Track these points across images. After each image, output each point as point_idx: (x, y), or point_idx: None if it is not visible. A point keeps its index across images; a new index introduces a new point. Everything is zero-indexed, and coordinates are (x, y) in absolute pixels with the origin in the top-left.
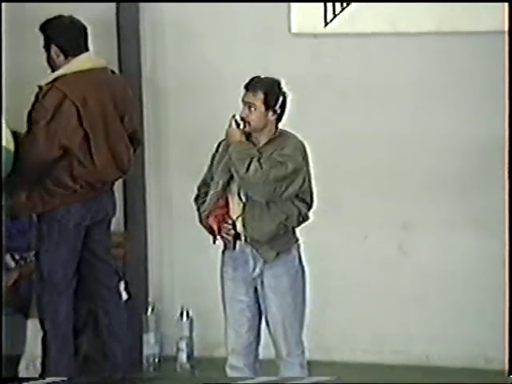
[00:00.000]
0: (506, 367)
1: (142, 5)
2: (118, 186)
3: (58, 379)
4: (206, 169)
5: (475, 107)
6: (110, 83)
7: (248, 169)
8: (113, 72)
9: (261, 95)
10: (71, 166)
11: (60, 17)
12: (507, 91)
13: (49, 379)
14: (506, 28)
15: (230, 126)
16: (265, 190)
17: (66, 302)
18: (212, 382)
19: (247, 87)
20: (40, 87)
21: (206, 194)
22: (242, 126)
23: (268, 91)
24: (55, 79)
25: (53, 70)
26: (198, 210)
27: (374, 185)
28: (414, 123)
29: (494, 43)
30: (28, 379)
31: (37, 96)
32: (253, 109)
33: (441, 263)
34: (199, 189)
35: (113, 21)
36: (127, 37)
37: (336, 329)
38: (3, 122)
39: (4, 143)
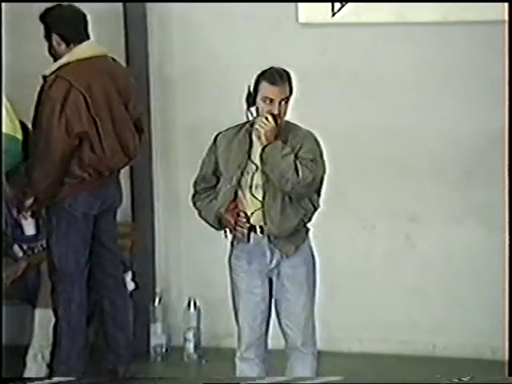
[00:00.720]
0: (506, 358)
1: None
2: (125, 177)
3: (64, 379)
4: (204, 163)
5: (479, 98)
6: (113, 70)
7: (298, 174)
8: (113, 59)
9: (289, 87)
10: (81, 155)
11: (59, 5)
12: (507, 82)
13: (55, 379)
14: (507, 17)
15: (265, 121)
16: (310, 190)
17: (78, 291)
18: (220, 374)
19: (274, 81)
20: (44, 77)
21: (206, 189)
22: (273, 122)
23: (291, 82)
24: (58, 68)
25: (55, 60)
26: (195, 206)
27: (381, 176)
28: (419, 114)
29: (497, 33)
30: (33, 379)
31: (42, 87)
32: (283, 102)
33: (447, 254)
34: (197, 185)
35: (120, 12)
36: (134, 28)
37: (343, 319)
38: (3, 110)
39: (12, 132)
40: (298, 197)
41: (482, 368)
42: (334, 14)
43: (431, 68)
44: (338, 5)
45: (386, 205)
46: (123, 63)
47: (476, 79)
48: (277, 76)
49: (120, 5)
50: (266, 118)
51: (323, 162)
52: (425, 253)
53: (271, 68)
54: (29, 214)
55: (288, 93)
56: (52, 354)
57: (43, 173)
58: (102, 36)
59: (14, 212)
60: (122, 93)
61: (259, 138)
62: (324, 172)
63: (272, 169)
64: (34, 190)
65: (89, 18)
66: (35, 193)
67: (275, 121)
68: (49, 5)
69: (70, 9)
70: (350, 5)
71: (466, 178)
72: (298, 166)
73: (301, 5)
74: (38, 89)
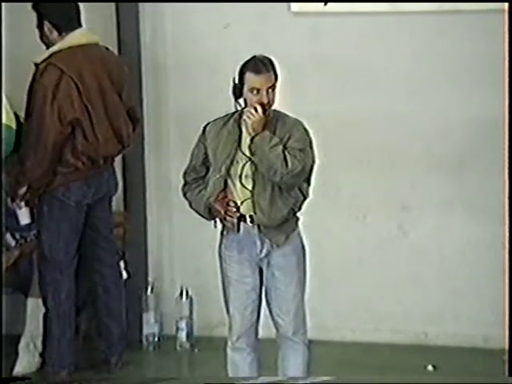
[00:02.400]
0: (507, 346)
1: None
2: (117, 167)
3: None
4: (193, 154)
5: (475, 87)
6: (105, 59)
7: (287, 164)
8: (106, 48)
9: (274, 74)
10: (74, 142)
11: None
12: (507, 71)
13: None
14: (506, 7)
15: (253, 112)
16: (300, 180)
17: (67, 281)
18: (212, 363)
19: (258, 70)
20: (36, 65)
21: (196, 180)
22: (261, 113)
23: (275, 69)
24: (50, 55)
25: (47, 47)
26: (185, 196)
27: (373, 165)
28: (413, 103)
29: (494, 22)
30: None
31: (34, 75)
32: (270, 90)
33: (439, 244)
34: (187, 175)
35: (112, 4)
36: (126, 15)
37: (335, 308)
38: (4, 100)
39: (5, 121)
40: (287, 187)
41: (474, 357)
42: (325, 3)
43: (424, 57)
44: None
45: (378, 194)
46: (115, 52)
47: (468, 69)
48: (260, 65)
49: None
50: (255, 109)
51: (312, 151)
52: (417, 242)
53: (254, 57)
54: (23, 203)
55: (274, 80)
56: (44, 343)
57: (36, 161)
58: (94, 25)
59: (8, 200)
60: (115, 81)
61: (247, 128)
62: (313, 161)
63: (261, 159)
64: (27, 178)
65: (81, 7)
66: (29, 181)
67: (264, 110)
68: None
69: None
70: None
71: (458, 167)
72: (287, 156)
73: None
74: (30, 77)
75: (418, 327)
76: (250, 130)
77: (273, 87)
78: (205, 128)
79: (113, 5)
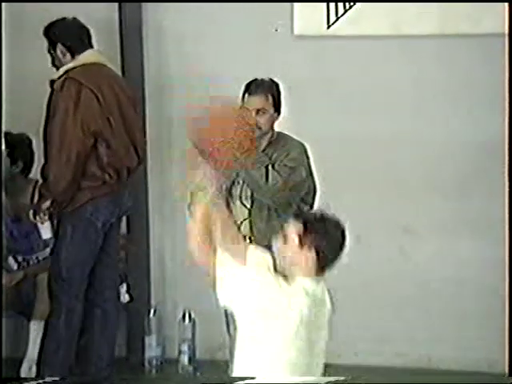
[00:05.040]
0: (507, 370)
1: (144, 5)
2: None
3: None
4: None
5: (476, 110)
6: (117, 77)
7: (267, 178)
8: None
9: (270, 98)
10: (98, 154)
11: (63, 19)
12: (507, 94)
13: (48, 379)
14: (507, 30)
15: None
16: (282, 197)
17: (79, 305)
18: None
19: (251, 91)
20: (52, 82)
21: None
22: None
23: (274, 93)
24: (65, 72)
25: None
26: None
27: (375, 187)
28: (415, 126)
29: (495, 45)
30: (29, 379)
31: (52, 90)
32: (261, 113)
33: (442, 266)
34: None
35: (115, 21)
36: (130, 37)
37: (338, 332)
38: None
39: None
40: (276, 204)
41: (478, 381)
42: (329, 27)
43: (427, 80)
44: (333, 17)
45: (381, 216)
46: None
47: (471, 92)
48: (253, 86)
49: (115, 13)
50: None
51: (309, 173)
52: (420, 265)
53: (254, 79)
54: (46, 217)
55: (264, 104)
56: (38, 364)
57: (59, 173)
58: (97, 45)
59: (9, 222)
60: (128, 96)
61: None
62: (312, 185)
63: (247, 175)
64: (50, 191)
65: None
66: (52, 195)
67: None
68: (49, 12)
69: (74, 21)
70: (345, 17)
71: (461, 189)
72: (270, 171)
73: (296, 16)
74: (48, 95)
75: (422, 351)
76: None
77: (263, 110)
78: None
79: (116, 28)
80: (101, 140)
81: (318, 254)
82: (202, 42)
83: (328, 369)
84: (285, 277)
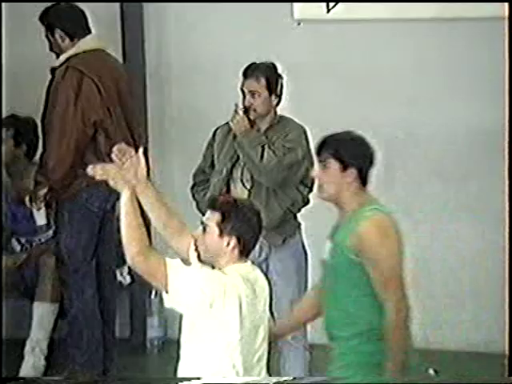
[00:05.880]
0: (507, 350)
1: None
2: None
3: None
4: (201, 157)
5: (476, 95)
6: (116, 62)
7: (262, 157)
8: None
9: (263, 81)
10: (97, 144)
11: (58, 3)
12: (507, 79)
13: (48, 378)
14: (507, 13)
15: (235, 115)
16: (278, 177)
17: (88, 284)
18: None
19: (246, 75)
20: (53, 69)
21: (203, 182)
22: (246, 114)
23: (269, 76)
24: (66, 60)
25: (58, 56)
26: (194, 197)
27: (375, 172)
28: (414, 110)
29: (495, 29)
30: (29, 379)
31: (52, 77)
32: (256, 95)
33: (441, 250)
34: (196, 177)
35: (117, 10)
36: (131, 26)
37: None
38: None
39: None
40: (272, 184)
41: (476, 361)
42: (328, 11)
43: (426, 64)
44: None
45: (379, 200)
46: (120, 61)
47: (471, 76)
48: (251, 69)
49: (117, 4)
50: (235, 110)
51: (308, 155)
52: (419, 248)
53: (252, 63)
54: (42, 204)
55: (257, 86)
56: (49, 346)
57: (58, 162)
58: (99, 34)
59: (26, 200)
60: (126, 82)
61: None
62: (302, 162)
63: (243, 155)
64: (48, 179)
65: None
66: (50, 182)
67: (245, 112)
68: (46, 4)
69: (70, 5)
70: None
71: (462, 173)
72: (265, 150)
73: (296, 1)
74: (47, 82)
75: (420, 332)
76: (234, 130)
77: (257, 93)
78: (214, 132)
79: (118, 18)
80: (100, 130)
81: (238, 240)
82: (204, 29)
83: (326, 349)
84: (212, 267)
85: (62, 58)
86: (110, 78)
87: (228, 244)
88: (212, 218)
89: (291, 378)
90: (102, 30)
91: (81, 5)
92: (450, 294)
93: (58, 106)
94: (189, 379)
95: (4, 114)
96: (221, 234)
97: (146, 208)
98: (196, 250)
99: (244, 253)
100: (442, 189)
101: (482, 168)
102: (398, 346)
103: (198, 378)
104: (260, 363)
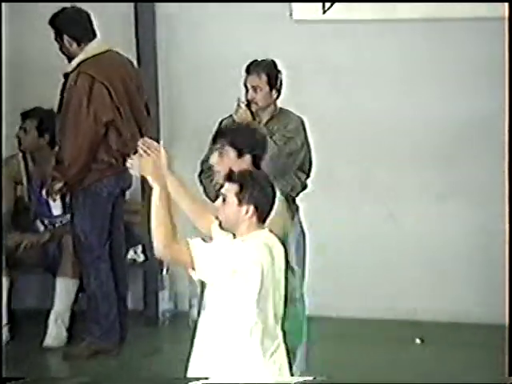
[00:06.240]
0: (507, 359)
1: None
2: None
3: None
4: (208, 146)
5: (460, 88)
6: (123, 61)
7: None
8: (117, 53)
9: (264, 77)
10: (108, 142)
11: (64, 9)
12: (508, 79)
13: (48, 378)
14: (507, 13)
15: (238, 107)
16: (280, 164)
17: (104, 263)
18: None
19: (248, 71)
20: (66, 74)
21: (210, 169)
22: (249, 107)
23: (270, 72)
24: (78, 65)
25: (68, 58)
26: (201, 182)
27: (366, 158)
28: (406, 102)
29: (493, 29)
30: (28, 379)
31: (65, 82)
32: (258, 90)
33: (428, 229)
34: (204, 164)
35: (131, 13)
36: (144, 26)
37: (333, 288)
38: None
39: None
40: (274, 171)
41: (457, 330)
42: (324, 12)
43: (415, 61)
44: (328, 3)
45: (373, 184)
46: (134, 62)
47: (455, 72)
48: (253, 66)
49: (131, 6)
50: (238, 104)
51: (305, 144)
52: (407, 228)
53: (255, 60)
54: (58, 196)
55: (259, 82)
56: (71, 318)
57: (73, 160)
58: (114, 35)
59: (36, 189)
60: (134, 79)
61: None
62: (301, 150)
63: None
64: (64, 175)
65: (101, 17)
66: (65, 178)
67: (247, 106)
68: (50, 5)
69: (76, 10)
70: (340, 2)
71: (448, 159)
72: (269, 140)
73: (294, 3)
74: (61, 86)
75: (409, 304)
76: (237, 122)
77: (259, 88)
78: (220, 123)
79: (132, 19)
80: (112, 128)
81: (256, 208)
82: (210, 31)
83: (323, 321)
84: (234, 235)
85: (74, 63)
86: (118, 79)
87: (247, 212)
88: (231, 189)
89: (311, 378)
90: (118, 32)
91: (95, 5)
92: (437, 270)
93: (72, 108)
94: (197, 379)
95: (4, 107)
96: (240, 203)
97: (173, 195)
98: (217, 218)
99: (261, 219)
100: (434, 171)
101: (464, 154)
102: None
103: (206, 378)
104: (277, 326)
